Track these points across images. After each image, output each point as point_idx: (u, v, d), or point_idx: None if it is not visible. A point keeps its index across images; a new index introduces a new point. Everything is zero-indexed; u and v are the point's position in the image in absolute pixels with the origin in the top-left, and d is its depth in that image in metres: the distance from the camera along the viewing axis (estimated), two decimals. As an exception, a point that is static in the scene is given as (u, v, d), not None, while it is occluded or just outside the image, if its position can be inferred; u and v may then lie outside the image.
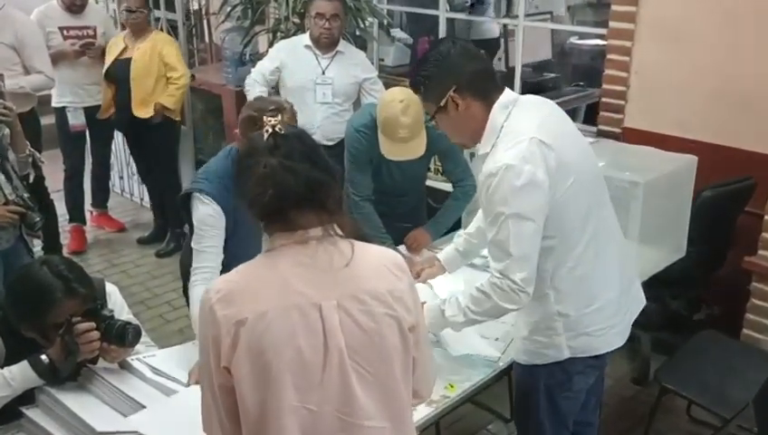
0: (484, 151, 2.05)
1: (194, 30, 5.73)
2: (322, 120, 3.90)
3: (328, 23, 3.83)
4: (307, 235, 1.46)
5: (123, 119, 4.74)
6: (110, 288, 2.37)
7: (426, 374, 1.64)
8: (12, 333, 2.11)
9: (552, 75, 5.51)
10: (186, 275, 2.54)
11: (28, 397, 2.05)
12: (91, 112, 4.78)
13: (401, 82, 4.03)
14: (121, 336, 2.09)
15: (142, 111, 4.60)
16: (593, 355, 2.15)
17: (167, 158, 4.90)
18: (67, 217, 4.94)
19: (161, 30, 5.16)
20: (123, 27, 4.89)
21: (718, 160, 3.34)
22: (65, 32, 4.62)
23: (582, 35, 5.57)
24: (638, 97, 3.75)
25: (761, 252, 3.16)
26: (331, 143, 3.80)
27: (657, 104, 3.69)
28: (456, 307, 2.13)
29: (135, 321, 2.27)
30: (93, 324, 2.05)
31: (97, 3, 5.38)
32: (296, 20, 4.31)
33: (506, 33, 5.29)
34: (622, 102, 3.81)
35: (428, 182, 3.57)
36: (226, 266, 2.29)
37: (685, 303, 3.58)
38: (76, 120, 4.78)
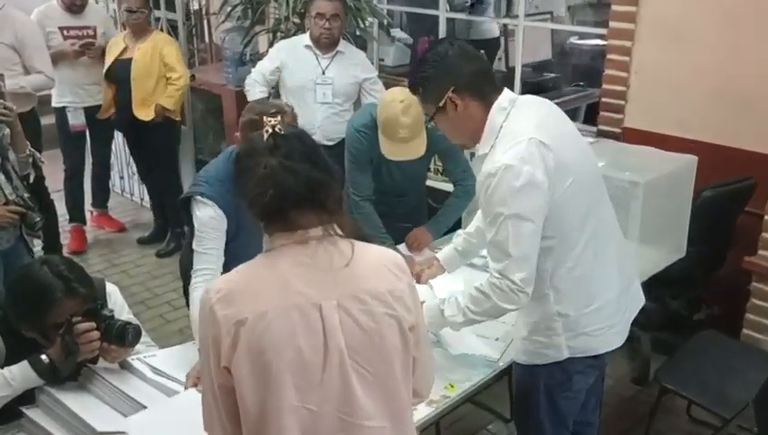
0: (483, 152, 2.05)
1: (194, 30, 5.73)
2: (322, 121, 3.90)
3: (328, 23, 3.83)
4: (307, 235, 1.46)
5: (123, 119, 4.73)
6: (111, 288, 2.37)
7: (426, 374, 1.64)
8: (12, 333, 2.11)
9: (552, 75, 5.49)
10: (186, 275, 2.54)
11: (28, 397, 2.05)
12: (91, 112, 4.78)
13: (401, 82, 4.02)
14: (121, 336, 2.09)
15: (143, 113, 4.60)
16: (593, 355, 2.16)
17: (167, 158, 4.89)
18: (67, 217, 4.94)
19: (161, 30, 5.16)
20: (123, 27, 4.90)
21: (718, 160, 3.34)
22: (65, 32, 4.62)
23: (582, 35, 5.56)
24: (638, 97, 3.75)
25: (761, 252, 3.16)
26: (331, 143, 3.80)
27: (657, 104, 3.68)
28: (456, 307, 2.13)
29: (135, 321, 2.28)
30: (93, 324, 2.05)
31: (97, 3, 5.38)
32: (296, 20, 4.31)
33: (506, 33, 5.29)
34: (622, 102, 3.80)
35: (428, 182, 3.56)
36: (227, 268, 2.28)
37: (685, 303, 3.57)
38: (76, 120, 4.78)
